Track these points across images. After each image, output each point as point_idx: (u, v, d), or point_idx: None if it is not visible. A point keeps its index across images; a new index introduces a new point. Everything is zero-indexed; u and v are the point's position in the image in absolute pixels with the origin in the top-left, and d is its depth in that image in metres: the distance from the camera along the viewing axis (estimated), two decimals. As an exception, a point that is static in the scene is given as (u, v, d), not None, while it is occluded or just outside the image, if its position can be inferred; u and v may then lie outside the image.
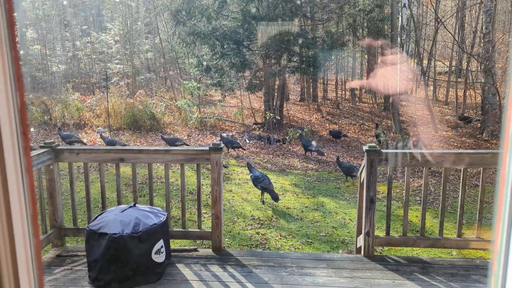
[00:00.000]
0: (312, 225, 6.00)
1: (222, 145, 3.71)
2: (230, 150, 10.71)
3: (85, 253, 3.39)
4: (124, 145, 9.92)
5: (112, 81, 16.51)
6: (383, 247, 4.94)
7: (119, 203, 3.88)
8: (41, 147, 3.71)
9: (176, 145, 10.30)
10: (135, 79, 17.60)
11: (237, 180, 8.20)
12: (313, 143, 10.62)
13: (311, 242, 5.39)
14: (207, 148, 3.63)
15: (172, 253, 3.67)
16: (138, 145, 10.85)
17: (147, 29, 20.57)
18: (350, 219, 6.28)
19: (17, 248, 0.55)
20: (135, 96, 14.03)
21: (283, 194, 7.40)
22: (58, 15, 19.71)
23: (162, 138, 10.40)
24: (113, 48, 18.34)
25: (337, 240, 5.50)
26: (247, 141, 11.76)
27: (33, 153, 3.59)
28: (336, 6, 13.71)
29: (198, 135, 12.26)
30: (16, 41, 0.53)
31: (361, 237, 3.84)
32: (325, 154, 10.54)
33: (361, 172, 4.00)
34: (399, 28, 15.22)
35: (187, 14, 12.82)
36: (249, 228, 5.82)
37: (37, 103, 13.19)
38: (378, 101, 18.26)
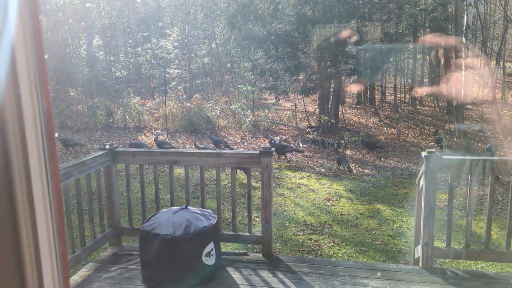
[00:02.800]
0: (367, 233, 5.79)
1: (273, 149, 3.67)
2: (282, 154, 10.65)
3: (139, 253, 3.49)
4: (172, 147, 10.21)
5: (170, 85, 17.07)
6: (443, 259, 4.64)
7: (172, 204, 3.96)
8: (100, 149, 3.88)
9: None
10: (192, 83, 18.08)
11: (290, 184, 8.12)
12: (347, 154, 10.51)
13: (365, 250, 5.20)
14: (257, 151, 3.61)
15: (222, 256, 3.69)
16: (193, 148, 11.10)
17: (204, 34, 21.07)
18: (407, 227, 5.98)
19: (42, 257, 0.53)
20: (191, 100, 14.40)
21: (337, 200, 7.22)
22: (122, 23, 20.74)
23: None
24: (172, 53, 18.97)
25: (393, 249, 5.26)
26: (301, 145, 11.64)
27: (93, 154, 3.76)
28: (396, 6, 13.22)
29: (251, 138, 12.33)
30: (42, 45, 0.52)
31: (419, 247, 3.63)
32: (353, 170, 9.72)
33: (419, 179, 3.78)
34: (464, 28, 14.40)
35: (243, 19, 12.94)
36: (301, 233, 5.73)
37: (101, 106, 13.93)
38: (440, 104, 17.38)
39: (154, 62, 19.20)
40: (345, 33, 11.89)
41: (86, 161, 3.57)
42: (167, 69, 18.26)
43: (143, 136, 12.34)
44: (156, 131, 11.76)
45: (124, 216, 4.26)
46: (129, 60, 19.79)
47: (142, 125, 13.36)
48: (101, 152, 3.79)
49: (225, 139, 12.02)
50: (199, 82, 18.67)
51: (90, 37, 18.63)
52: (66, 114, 14.91)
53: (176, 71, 18.37)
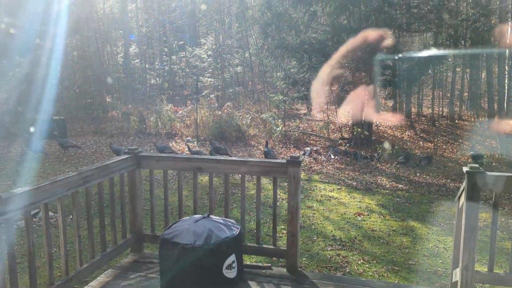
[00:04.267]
0: (400, 251, 5.47)
1: (302, 158, 3.48)
2: (312, 163, 10.42)
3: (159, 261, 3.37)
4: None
5: (203, 93, 17.19)
6: (483, 284, 4.29)
7: (195, 212, 3.84)
8: (125, 153, 3.81)
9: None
10: (224, 92, 18.14)
11: (319, 196, 7.87)
12: None
13: (397, 270, 4.89)
14: (284, 161, 3.43)
15: (244, 269, 3.51)
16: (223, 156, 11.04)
17: (238, 43, 21.18)
18: (444, 248, 5.62)
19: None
20: (223, 108, 14.40)
21: (368, 215, 6.92)
22: (158, 32, 21.15)
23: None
24: (206, 62, 19.14)
25: (429, 270, 4.93)
26: (332, 157, 11.35)
27: (118, 158, 3.69)
28: (435, 17, 12.77)
29: (281, 148, 12.15)
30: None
31: (458, 270, 3.32)
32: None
33: (459, 197, 3.49)
34: (508, 39, 13.75)
35: (276, 28, 12.87)
36: (329, 248, 5.48)
37: (135, 113, 14.14)
38: (480, 119, 16.64)
39: (187, 70, 19.43)
40: (381, 43, 11.57)
41: (110, 165, 3.50)
42: (200, 78, 18.42)
43: (173, 142, 12.40)
44: (187, 138, 11.79)
45: (147, 223, 4.18)
46: (164, 68, 20.13)
47: (174, 131, 13.45)
48: (125, 156, 3.72)
49: (254, 148, 11.89)
50: (231, 91, 18.72)
51: (127, 45, 19.07)
52: (102, 119, 15.25)
53: (209, 79, 18.50)
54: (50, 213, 5.33)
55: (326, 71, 12.31)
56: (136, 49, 20.21)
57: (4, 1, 13.09)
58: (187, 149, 10.89)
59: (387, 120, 17.15)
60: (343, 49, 12.71)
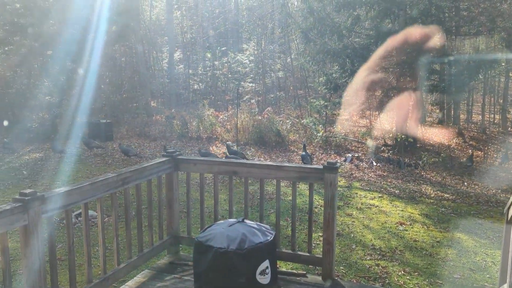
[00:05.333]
0: (444, 264, 5.21)
1: (338, 164, 3.39)
2: (353, 169, 10.19)
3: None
4: (244, 156, 10.23)
5: (244, 98, 17.31)
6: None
7: (230, 216, 3.84)
8: (163, 155, 3.88)
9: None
10: (265, 97, 18.18)
11: (359, 204, 7.67)
12: None
13: (440, 283, 4.66)
14: (321, 166, 3.36)
15: (278, 276, 3.46)
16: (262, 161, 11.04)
17: (280, 49, 21.19)
18: (493, 262, 5.30)
19: None
20: (263, 113, 14.43)
21: (410, 224, 6.66)
22: (202, 38, 21.57)
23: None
24: (247, 67, 19.29)
25: (475, 285, 4.66)
26: (374, 163, 11.06)
27: (155, 161, 3.77)
28: (487, 19, 12.17)
29: (321, 154, 11.98)
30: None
31: (506, 286, 3.11)
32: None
33: (508, 208, 3.27)
34: None
35: (318, 32, 12.75)
36: (368, 258, 5.31)
37: (178, 117, 14.46)
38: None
39: (229, 75, 19.65)
40: (427, 46, 11.17)
41: (148, 167, 3.58)
42: (242, 83, 18.57)
43: (214, 147, 12.55)
44: (227, 142, 11.90)
45: (183, 225, 4.22)
46: (206, 74, 20.47)
47: (214, 136, 13.62)
48: (163, 159, 3.79)
49: (294, 154, 11.79)
50: (272, 96, 18.74)
51: (172, 51, 19.58)
52: (146, 123, 15.70)
53: (250, 84, 18.62)
54: (94, 213, 5.52)
55: (368, 76, 12.02)
56: (181, 55, 20.70)
57: (55, 8, 13.82)
58: (225, 149, 11.02)
59: (434, 126, 16.51)
60: (387, 53, 12.40)
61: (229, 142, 12.03)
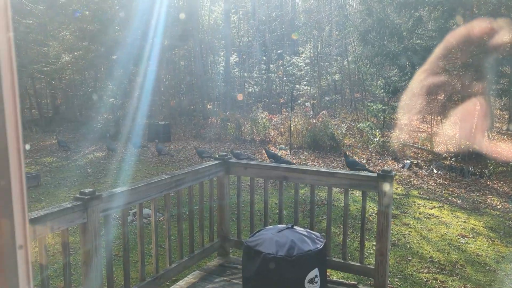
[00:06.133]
0: (510, 281, 4.83)
1: (394, 172, 3.25)
2: (412, 177, 9.77)
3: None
4: (290, 162, 10.19)
5: (298, 101, 17.21)
6: None
7: (280, 221, 3.81)
8: (215, 159, 3.93)
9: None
10: (320, 100, 17.95)
11: (417, 213, 7.33)
12: None
13: (506, 303, 4.32)
14: (375, 174, 3.24)
15: (328, 285, 3.38)
16: (315, 165, 10.89)
17: (337, 51, 20.86)
18: None
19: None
20: (318, 116, 14.25)
21: (473, 237, 6.25)
22: (258, 41, 21.75)
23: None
24: (303, 70, 19.16)
25: (546, 308, 4.27)
26: (435, 171, 10.53)
27: (207, 163, 3.83)
28: None
29: (378, 159, 11.60)
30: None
31: None
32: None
33: None
34: None
35: (377, 34, 12.38)
36: (425, 271, 5.05)
37: (232, 119, 14.66)
38: None
39: (284, 78, 19.64)
40: (498, 48, 10.46)
41: (200, 169, 3.64)
42: (297, 86, 18.47)
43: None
44: (280, 145, 11.88)
45: (233, 227, 4.25)
46: (261, 77, 20.60)
47: (268, 139, 13.65)
48: (215, 162, 3.84)
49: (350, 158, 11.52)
50: (327, 99, 18.46)
51: (228, 55, 19.92)
52: (202, 125, 16.08)
53: (306, 87, 18.47)
54: (150, 211, 5.71)
55: (430, 79, 11.48)
56: (236, 58, 21.00)
57: (119, 15, 14.54)
58: (276, 151, 11.02)
59: (502, 133, 15.43)
60: (450, 55, 11.78)
61: (282, 146, 12.00)
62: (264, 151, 11.10)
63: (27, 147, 12.48)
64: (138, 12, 13.96)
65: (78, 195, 2.57)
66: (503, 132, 15.61)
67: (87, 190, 2.59)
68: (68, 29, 14.53)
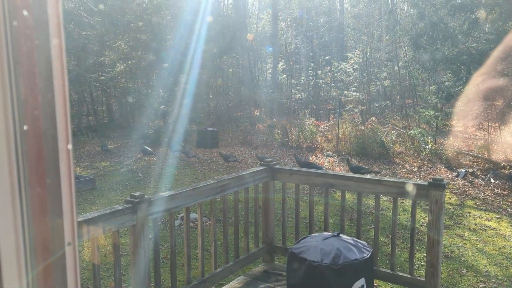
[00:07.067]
0: None
1: (446, 181, 3.11)
2: (467, 186, 9.30)
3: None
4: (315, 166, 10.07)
5: (346, 108, 16.94)
6: None
7: (325, 229, 3.76)
8: (261, 165, 3.95)
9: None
10: (369, 107, 17.56)
11: (472, 225, 6.95)
12: None
13: None
14: (425, 183, 3.12)
15: (375, 296, 3.29)
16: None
17: (387, 56, 20.36)
18: None
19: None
20: (366, 123, 13.94)
21: (535, 253, 5.83)
22: (305, 47, 21.68)
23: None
24: (351, 76, 18.86)
25: None
26: (492, 181, 9.96)
27: (252, 169, 3.86)
28: None
29: (430, 168, 11.15)
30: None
31: None
32: None
33: None
34: None
35: (429, 38, 11.96)
36: (480, 286, 4.77)
37: (279, 126, 14.68)
38: None
39: (332, 84, 19.42)
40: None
41: (245, 175, 3.67)
42: (345, 92, 18.20)
43: (313, 156, 12.46)
44: (327, 152, 11.73)
45: (278, 234, 4.24)
46: (309, 83, 20.49)
47: (314, 146, 13.52)
48: (260, 168, 3.86)
49: (399, 166, 11.18)
50: (377, 105, 18.03)
51: (276, 62, 20.01)
52: (249, 131, 16.23)
53: (354, 93, 18.16)
54: (196, 215, 5.82)
55: (487, 84, 10.90)
56: (284, 65, 21.05)
57: (171, 24, 15.04)
58: (327, 163, 10.86)
59: None
60: (510, 58, 11.14)
61: (329, 153, 11.85)
62: (294, 157, 11.08)
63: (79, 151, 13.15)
64: (187, 22, 14.38)
65: (128, 198, 2.68)
66: None
67: (137, 194, 2.69)
68: (122, 39, 15.22)
